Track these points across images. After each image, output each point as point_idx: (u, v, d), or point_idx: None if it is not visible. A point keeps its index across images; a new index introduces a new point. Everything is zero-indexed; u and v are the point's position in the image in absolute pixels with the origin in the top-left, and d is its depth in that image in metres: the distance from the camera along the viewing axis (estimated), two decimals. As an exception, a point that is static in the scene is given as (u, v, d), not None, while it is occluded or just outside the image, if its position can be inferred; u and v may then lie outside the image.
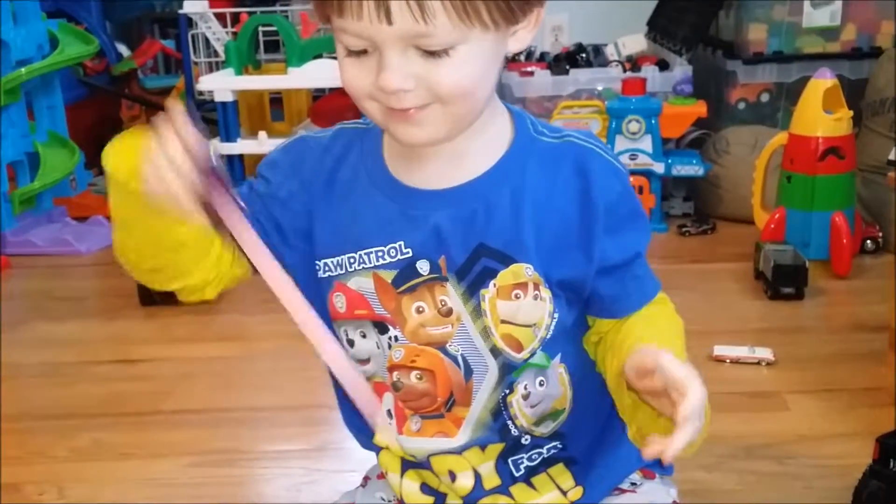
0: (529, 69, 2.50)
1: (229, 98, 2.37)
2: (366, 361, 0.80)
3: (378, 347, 0.79)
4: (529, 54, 2.70)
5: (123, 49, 3.43)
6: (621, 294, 0.78)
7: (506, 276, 0.75)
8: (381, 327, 0.78)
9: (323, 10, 0.70)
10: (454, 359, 0.77)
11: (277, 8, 2.64)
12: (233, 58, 2.41)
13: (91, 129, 2.92)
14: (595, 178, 0.76)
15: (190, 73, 2.68)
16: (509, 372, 0.78)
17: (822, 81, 1.98)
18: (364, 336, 0.79)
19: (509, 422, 0.80)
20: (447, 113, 0.70)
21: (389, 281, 0.76)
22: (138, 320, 1.92)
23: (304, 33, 2.53)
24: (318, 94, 2.69)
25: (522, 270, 0.76)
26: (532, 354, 0.78)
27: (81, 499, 1.28)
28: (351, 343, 0.80)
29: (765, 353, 1.59)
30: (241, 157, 2.44)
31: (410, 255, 0.76)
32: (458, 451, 0.81)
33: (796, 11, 2.45)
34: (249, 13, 2.54)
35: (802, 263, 1.85)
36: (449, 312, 0.76)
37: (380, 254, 0.76)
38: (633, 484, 0.87)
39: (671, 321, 0.80)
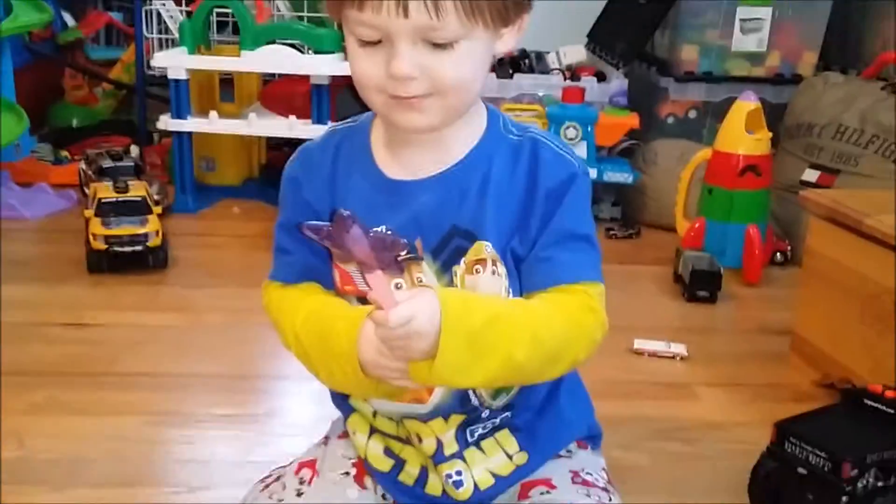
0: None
1: (182, 76, 2.41)
2: None
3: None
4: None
5: (68, 18, 3.42)
6: (545, 269, 0.84)
7: (470, 252, 0.84)
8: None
9: (340, 3, 0.78)
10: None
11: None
12: (187, 37, 2.45)
13: (33, 95, 2.91)
14: (542, 165, 0.85)
15: (141, 48, 2.71)
16: None
17: (746, 104, 2.13)
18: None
19: (471, 392, 0.88)
20: (444, 103, 0.80)
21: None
22: (86, 287, 1.97)
23: (259, 18, 2.58)
24: (267, 79, 2.75)
25: (483, 247, 0.84)
26: None
27: (41, 450, 1.33)
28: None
29: (680, 349, 1.71)
30: (190, 134, 2.48)
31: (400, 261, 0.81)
32: (425, 420, 0.90)
33: (726, 36, 2.59)
34: (206, -6, 2.58)
35: (717, 270, 1.99)
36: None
37: None
38: (569, 451, 0.97)
39: (550, 310, 0.82)
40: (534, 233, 0.85)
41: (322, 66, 2.36)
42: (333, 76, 2.37)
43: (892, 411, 1.12)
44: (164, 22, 2.73)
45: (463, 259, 0.85)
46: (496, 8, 0.78)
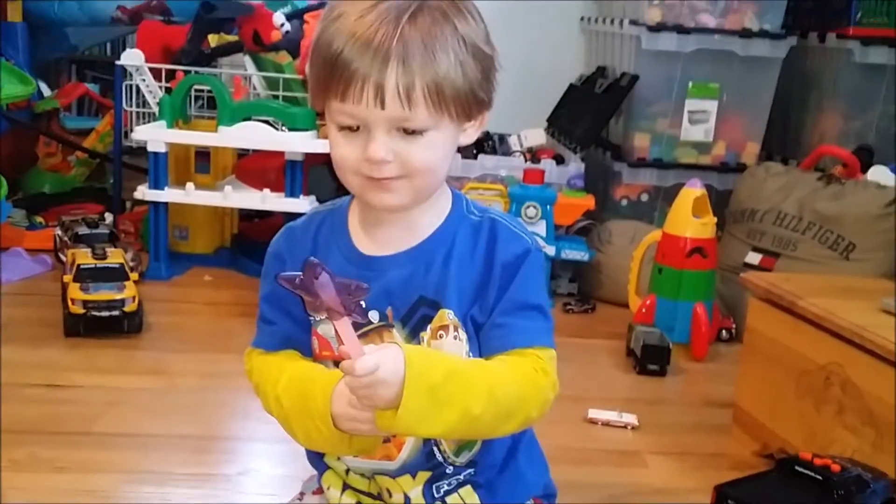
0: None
1: (161, 149, 2.51)
2: None
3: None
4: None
5: (44, 87, 3.51)
6: (500, 335, 0.94)
7: (434, 319, 0.94)
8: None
9: (325, 95, 0.90)
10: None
11: (210, 70, 2.80)
12: (167, 111, 2.56)
13: (8, 162, 2.99)
14: (499, 242, 0.96)
15: (120, 120, 2.80)
16: None
17: (693, 190, 2.27)
18: None
19: (435, 448, 0.98)
20: (413, 185, 0.91)
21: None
22: (63, 350, 2.03)
23: (236, 95, 2.70)
24: (242, 153, 2.86)
25: (446, 314, 0.94)
26: None
27: (23, 505, 1.38)
28: None
29: (631, 419, 1.81)
30: (166, 204, 2.57)
31: (364, 307, 0.90)
32: (394, 476, 0.99)
33: (676, 126, 2.76)
34: (185, 71, 2.70)
35: (667, 345, 2.10)
36: None
37: None
38: None
39: (505, 370, 0.92)
40: (491, 302, 0.94)
41: (296, 143, 2.48)
42: (306, 152, 2.49)
43: (819, 477, 1.23)
44: (143, 95, 2.83)
45: (429, 325, 0.94)
46: (461, 104, 0.90)
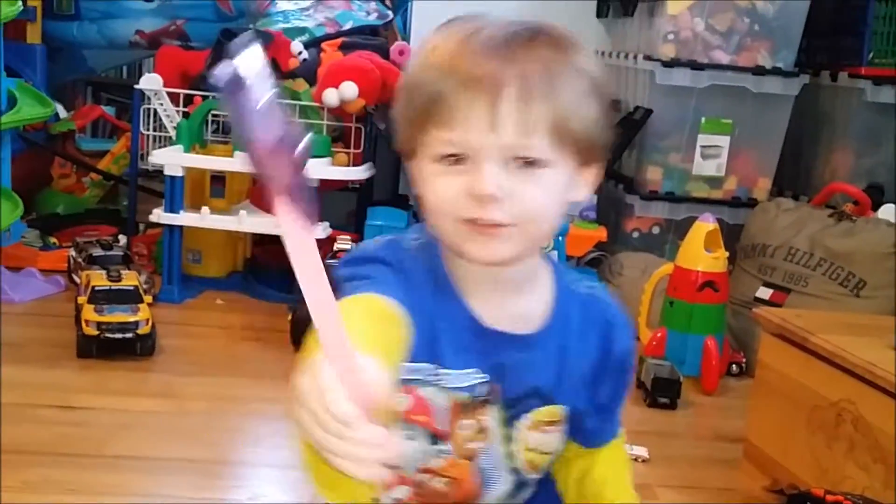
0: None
1: (178, 173, 2.54)
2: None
3: (420, 453, 0.83)
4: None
5: (60, 109, 3.54)
6: (600, 430, 0.90)
7: (542, 412, 0.85)
8: (433, 439, 0.82)
9: (422, 126, 0.76)
10: (480, 472, 0.84)
11: (228, 95, 2.82)
12: (184, 136, 2.58)
13: (23, 182, 3.01)
14: (617, 332, 0.87)
15: (136, 143, 2.83)
16: (521, 488, 0.88)
17: (705, 224, 2.28)
18: (411, 439, 0.82)
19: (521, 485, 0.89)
20: (524, 233, 0.76)
21: (459, 402, 0.82)
22: (76, 371, 2.04)
23: (252, 122, 2.72)
24: (256, 179, 2.87)
25: (559, 411, 0.86)
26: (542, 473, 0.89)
27: (36, 526, 1.39)
28: None
29: (641, 451, 1.81)
30: (180, 228, 2.59)
31: (482, 380, 0.81)
32: None
33: (688, 160, 2.78)
34: (203, 96, 2.72)
35: (677, 378, 2.10)
36: (484, 430, 0.83)
37: (461, 376, 0.81)
38: None
39: (626, 466, 0.95)
40: (601, 396, 0.88)
41: (310, 170, 2.49)
42: (321, 179, 2.50)
43: (832, 514, 1.23)
44: (159, 119, 2.86)
45: (528, 415, 0.85)
46: (583, 143, 0.77)
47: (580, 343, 0.85)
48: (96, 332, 2.06)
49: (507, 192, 0.74)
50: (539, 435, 0.85)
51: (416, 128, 0.77)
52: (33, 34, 3.22)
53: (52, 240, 2.91)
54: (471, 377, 0.81)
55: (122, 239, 2.81)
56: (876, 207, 2.41)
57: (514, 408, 0.83)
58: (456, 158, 0.75)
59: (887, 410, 1.41)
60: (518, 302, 0.83)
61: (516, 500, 0.88)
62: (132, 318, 2.07)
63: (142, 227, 3.01)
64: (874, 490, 1.40)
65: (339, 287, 0.73)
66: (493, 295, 0.82)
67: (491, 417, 0.83)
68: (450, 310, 0.81)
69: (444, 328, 0.79)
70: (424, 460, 0.82)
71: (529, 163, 0.75)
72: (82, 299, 2.12)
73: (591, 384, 0.87)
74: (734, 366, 2.33)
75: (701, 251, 2.25)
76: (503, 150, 0.74)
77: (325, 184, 2.53)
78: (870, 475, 1.44)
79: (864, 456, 1.46)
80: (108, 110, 3.75)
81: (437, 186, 0.76)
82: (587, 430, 0.90)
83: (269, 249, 2.89)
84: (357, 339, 0.60)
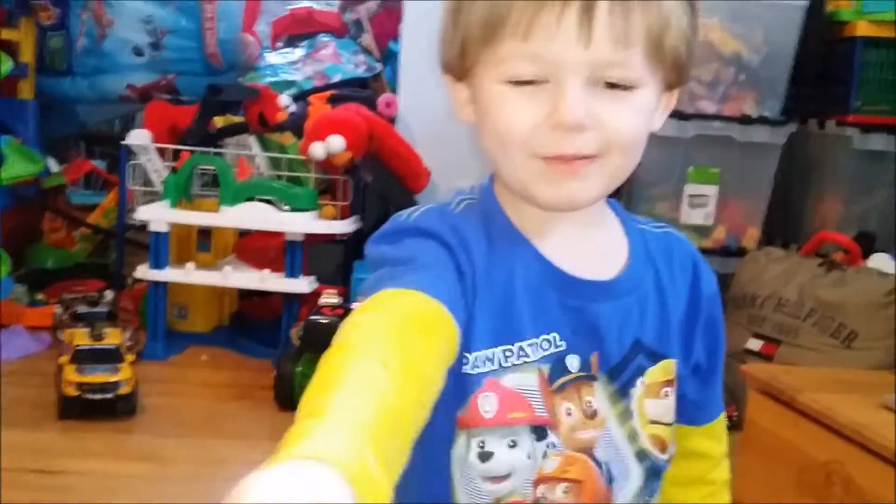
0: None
1: (163, 229, 2.53)
2: (502, 478, 0.65)
3: (529, 458, 0.66)
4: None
5: (52, 163, 3.55)
6: (704, 401, 0.74)
7: (655, 372, 0.69)
8: (540, 432, 0.66)
9: (487, 32, 0.62)
10: (599, 466, 0.68)
11: (215, 150, 2.83)
12: (171, 191, 2.58)
13: (13, 237, 3.01)
14: (702, 271, 0.73)
15: (124, 199, 2.83)
16: (654, 476, 0.70)
17: (694, 276, 2.27)
18: (513, 445, 0.65)
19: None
20: (610, 167, 0.64)
21: (546, 377, 0.66)
22: (57, 433, 2.01)
23: (241, 175, 2.73)
24: (243, 232, 2.87)
25: (672, 366, 0.70)
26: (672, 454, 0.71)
27: None
28: (486, 457, 0.65)
29: (630, 512, 1.79)
30: (165, 284, 2.57)
31: (564, 348, 0.66)
32: None
33: (675, 209, 2.77)
34: (191, 151, 2.73)
35: (668, 433, 2.08)
36: (594, 415, 0.68)
37: (536, 346, 0.66)
38: None
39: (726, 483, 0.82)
40: (696, 350, 0.72)
41: (296, 223, 2.49)
42: (308, 233, 2.50)
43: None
44: (148, 174, 2.86)
45: (640, 380, 0.69)
46: (678, 59, 0.65)
47: (671, 282, 0.71)
48: (77, 393, 2.03)
49: (594, 121, 0.61)
50: (657, 402, 0.69)
51: (479, 39, 0.62)
52: (25, 90, 3.24)
53: (40, 296, 2.89)
54: (553, 342, 0.66)
55: (109, 294, 2.79)
56: (866, 255, 2.40)
57: (621, 375, 0.68)
58: (532, 81, 0.62)
59: (878, 473, 1.38)
60: (595, 242, 0.70)
61: (653, 499, 0.71)
62: (113, 378, 2.05)
63: (129, 280, 3.00)
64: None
65: (375, 273, 0.63)
66: (567, 239, 0.68)
67: (599, 397, 0.68)
68: (520, 264, 0.67)
69: (516, 289, 0.66)
70: (536, 466, 0.66)
71: (621, 86, 0.62)
72: (64, 359, 2.10)
73: (686, 336, 0.72)
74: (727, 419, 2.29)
75: (690, 303, 2.23)
76: (594, 66, 0.61)
77: (312, 237, 2.52)
78: (860, 539, 1.41)
79: (854, 519, 1.43)
80: (100, 164, 3.76)
81: (505, 113, 0.62)
82: (690, 401, 0.73)
83: (255, 304, 2.88)
84: (389, 356, 0.50)
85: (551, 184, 0.63)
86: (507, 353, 0.65)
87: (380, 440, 0.45)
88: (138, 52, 3.26)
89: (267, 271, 2.53)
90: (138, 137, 2.76)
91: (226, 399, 2.28)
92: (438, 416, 0.56)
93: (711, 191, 2.75)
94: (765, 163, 2.78)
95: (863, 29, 2.61)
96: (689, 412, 0.73)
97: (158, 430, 2.08)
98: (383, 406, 0.47)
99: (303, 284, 2.47)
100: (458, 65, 0.65)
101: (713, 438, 0.79)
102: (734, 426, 2.29)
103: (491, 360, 0.65)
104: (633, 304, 0.69)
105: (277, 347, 2.39)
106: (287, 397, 2.13)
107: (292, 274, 2.51)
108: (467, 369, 0.64)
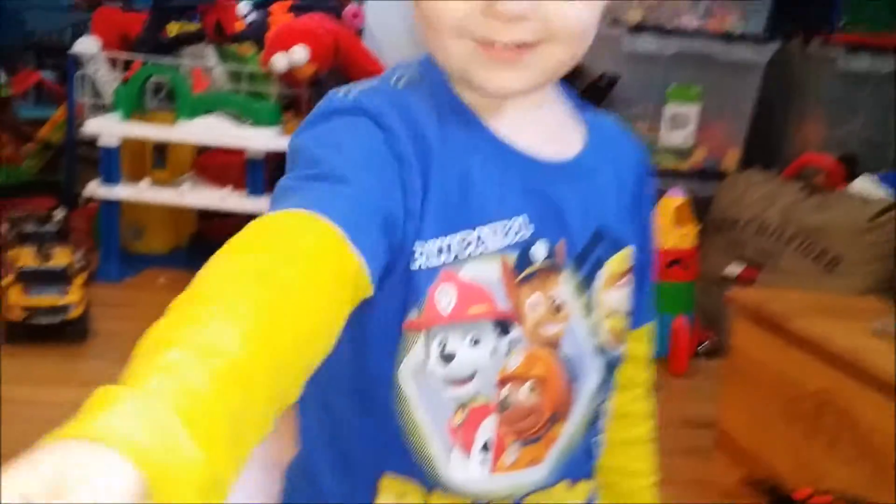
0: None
1: (114, 143, 2.38)
2: (465, 381, 0.61)
3: (493, 355, 0.61)
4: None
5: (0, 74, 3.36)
6: (637, 303, 0.68)
7: (615, 261, 0.65)
8: (503, 327, 0.61)
9: None
10: (564, 363, 0.63)
11: (170, 60, 2.66)
12: (122, 102, 2.43)
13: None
14: (644, 159, 0.70)
15: (73, 112, 2.67)
16: (610, 372, 0.66)
17: (674, 199, 2.19)
18: (476, 343, 0.60)
19: (598, 437, 0.67)
20: (552, 57, 0.58)
21: (512, 267, 0.61)
22: (3, 358, 1.90)
23: (196, 88, 2.57)
24: (202, 149, 2.73)
25: (630, 254, 0.66)
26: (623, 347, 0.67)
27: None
28: (448, 357, 0.60)
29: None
30: (118, 203, 2.44)
31: (530, 234, 0.61)
32: (545, 486, 0.64)
33: (655, 129, 2.68)
34: (143, 61, 2.56)
35: (645, 360, 2.02)
36: (559, 309, 0.62)
37: (498, 233, 0.60)
38: None
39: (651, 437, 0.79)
40: (639, 233, 0.68)
41: (259, 139, 2.35)
42: (270, 150, 2.37)
43: (816, 518, 1.14)
44: (97, 86, 2.70)
45: (602, 270, 0.64)
46: None
47: (622, 166, 0.67)
48: (23, 316, 1.91)
49: (535, 8, 0.56)
50: (616, 293, 0.65)
51: None
52: (-36, -7, 3.04)
53: (-16, 214, 2.74)
54: (520, 228, 0.60)
55: (60, 213, 2.64)
56: (849, 178, 2.33)
57: (584, 264, 0.63)
58: None
59: (874, 403, 1.32)
60: (548, 122, 0.64)
61: (607, 395, 0.67)
62: (61, 301, 1.93)
63: (81, 199, 2.85)
64: (859, 486, 1.32)
65: (281, 179, 0.55)
66: (520, 118, 0.62)
67: (563, 288, 0.62)
68: (475, 144, 0.61)
69: (473, 171, 0.60)
70: (500, 364, 0.60)
71: None
72: (7, 280, 1.96)
73: (635, 224, 0.67)
74: (704, 345, 2.24)
75: (669, 227, 2.17)
76: None
77: (276, 154, 2.39)
78: (854, 471, 1.35)
79: (848, 451, 1.37)
80: (51, 75, 3.56)
81: None
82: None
83: (215, 224, 2.74)
84: (246, 309, 0.41)
85: (486, 69, 0.58)
86: (466, 243, 0.59)
87: (215, 412, 0.36)
88: (87, -46, 3.05)
89: (228, 190, 2.40)
90: (86, 45, 2.59)
91: (183, 323, 2.17)
92: (389, 322, 0.55)
93: (692, 111, 2.65)
94: (747, 82, 2.69)
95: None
96: (644, 313, 0.71)
97: (110, 355, 1.96)
98: (226, 371, 0.38)
99: (265, 204, 2.35)
100: None
101: (640, 341, 0.73)
102: (713, 352, 2.25)
103: (446, 251, 0.59)
104: (593, 187, 0.64)
105: (238, 270, 2.28)
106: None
107: (254, 192, 2.39)
108: (420, 263, 0.58)
